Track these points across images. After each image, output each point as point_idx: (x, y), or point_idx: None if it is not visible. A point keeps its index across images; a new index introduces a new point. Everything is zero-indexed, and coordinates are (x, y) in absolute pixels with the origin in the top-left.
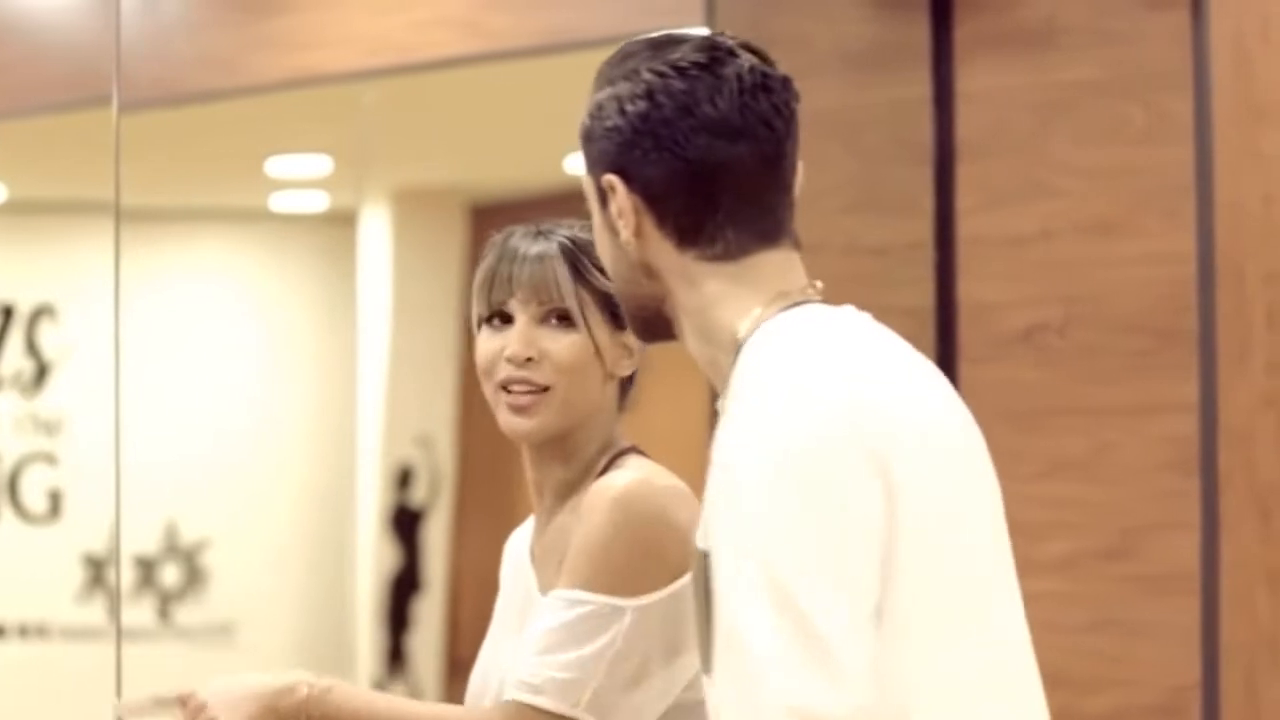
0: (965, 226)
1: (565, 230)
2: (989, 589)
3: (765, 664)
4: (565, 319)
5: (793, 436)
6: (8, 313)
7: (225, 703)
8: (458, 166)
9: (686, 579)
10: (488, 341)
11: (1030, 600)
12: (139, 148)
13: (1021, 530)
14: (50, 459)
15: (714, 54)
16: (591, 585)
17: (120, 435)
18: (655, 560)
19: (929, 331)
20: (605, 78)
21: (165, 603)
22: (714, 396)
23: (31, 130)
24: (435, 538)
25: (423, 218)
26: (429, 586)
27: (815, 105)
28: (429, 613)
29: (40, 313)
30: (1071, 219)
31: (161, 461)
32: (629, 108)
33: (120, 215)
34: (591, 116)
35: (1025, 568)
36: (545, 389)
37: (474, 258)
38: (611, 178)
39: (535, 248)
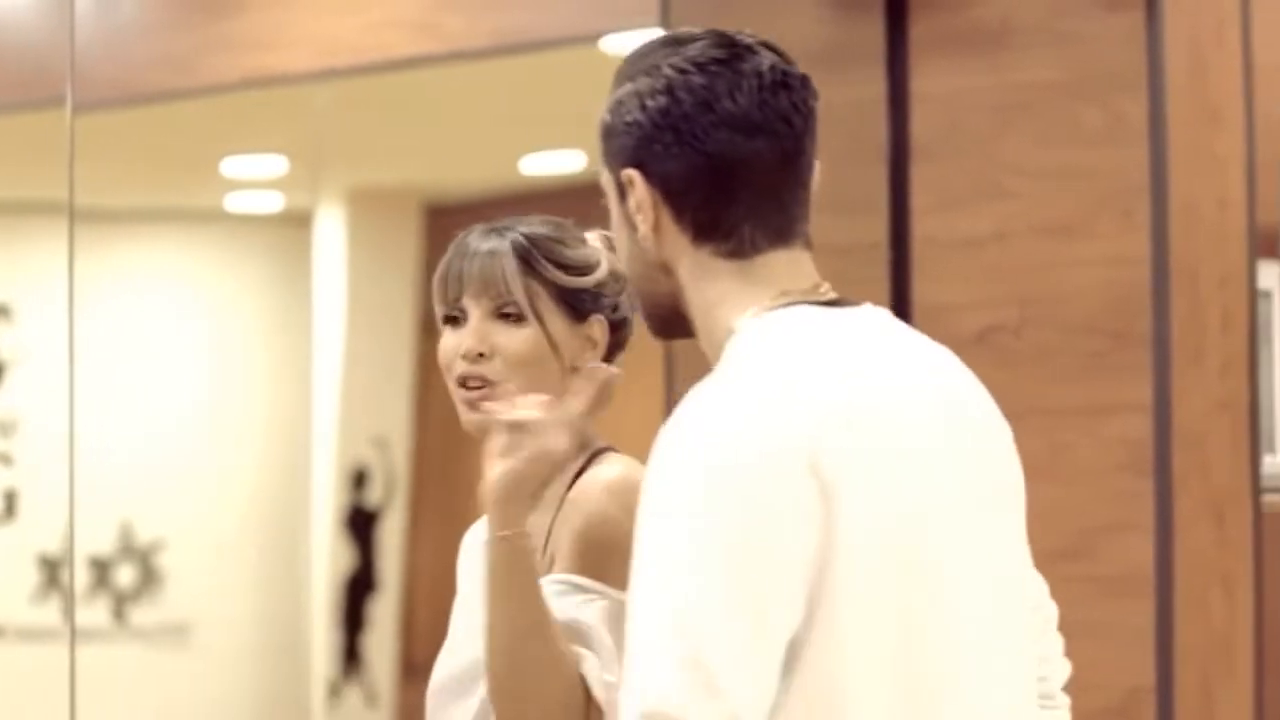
0: (920, 227)
1: (523, 226)
2: (971, 602)
3: (641, 666)
4: (517, 313)
5: (720, 447)
6: None
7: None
8: (413, 167)
9: None
10: (447, 339)
11: None
12: (93, 148)
13: None
14: (5, 459)
15: (733, 50)
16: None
17: (75, 436)
18: None
19: None
20: (624, 74)
21: (120, 603)
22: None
23: None
24: (390, 538)
25: (378, 218)
26: (384, 587)
27: None
28: (384, 613)
29: None
30: (1026, 220)
31: (116, 462)
32: (649, 103)
33: (75, 216)
34: (611, 112)
35: None
36: (496, 384)
37: (429, 258)
38: (631, 172)
39: (486, 244)
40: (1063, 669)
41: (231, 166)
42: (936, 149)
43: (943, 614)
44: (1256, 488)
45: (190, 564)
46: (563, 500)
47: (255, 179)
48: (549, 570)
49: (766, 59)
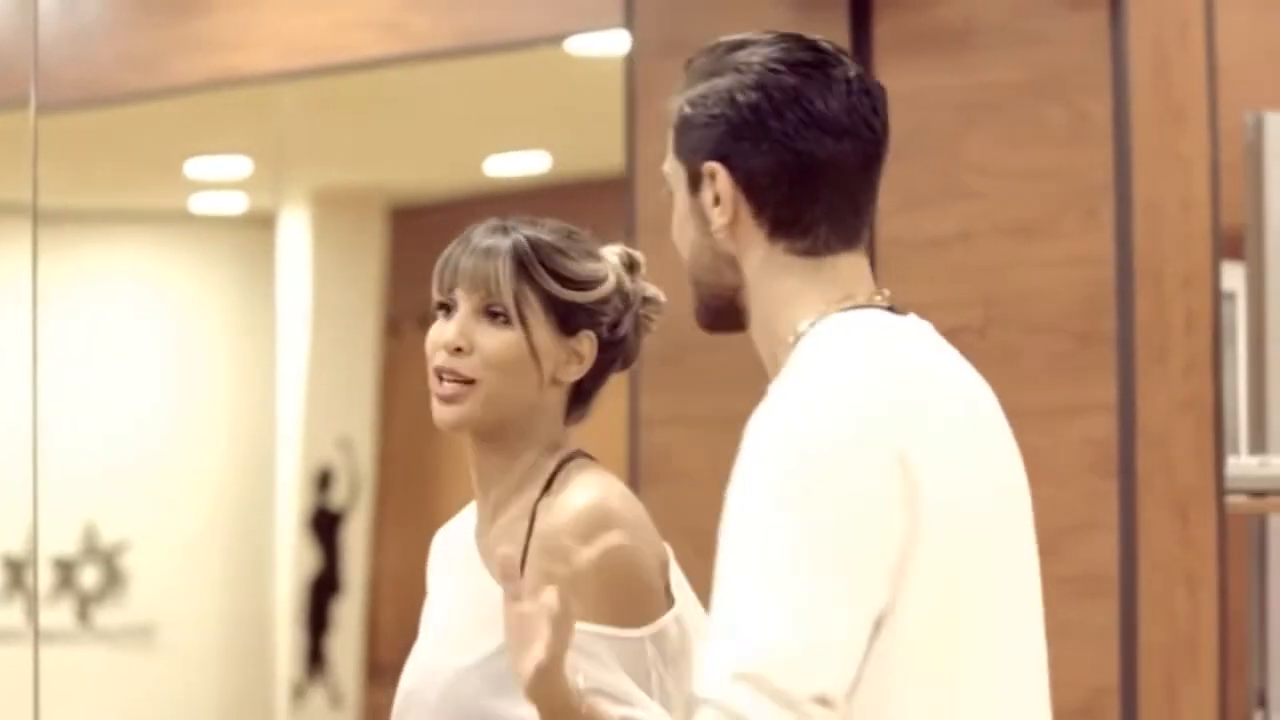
0: (884, 228)
1: (531, 229)
2: (1006, 603)
3: (741, 629)
4: (503, 314)
5: (816, 437)
6: None
7: None
8: (377, 168)
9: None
10: (435, 328)
11: None
12: (57, 149)
13: None
14: None
15: (820, 54)
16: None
17: (39, 437)
18: (652, 589)
19: None
20: (701, 71)
21: (84, 605)
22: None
23: None
24: (355, 540)
25: (342, 219)
26: (348, 588)
27: None
28: (348, 615)
29: None
30: (991, 220)
31: (81, 463)
32: (740, 98)
33: (39, 217)
34: (693, 105)
35: None
36: (471, 381)
37: (394, 259)
38: (714, 165)
39: (488, 241)
40: None
41: (196, 167)
42: (900, 149)
43: (990, 595)
44: (1220, 488)
45: (154, 565)
46: (535, 510)
47: (220, 180)
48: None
49: (851, 66)
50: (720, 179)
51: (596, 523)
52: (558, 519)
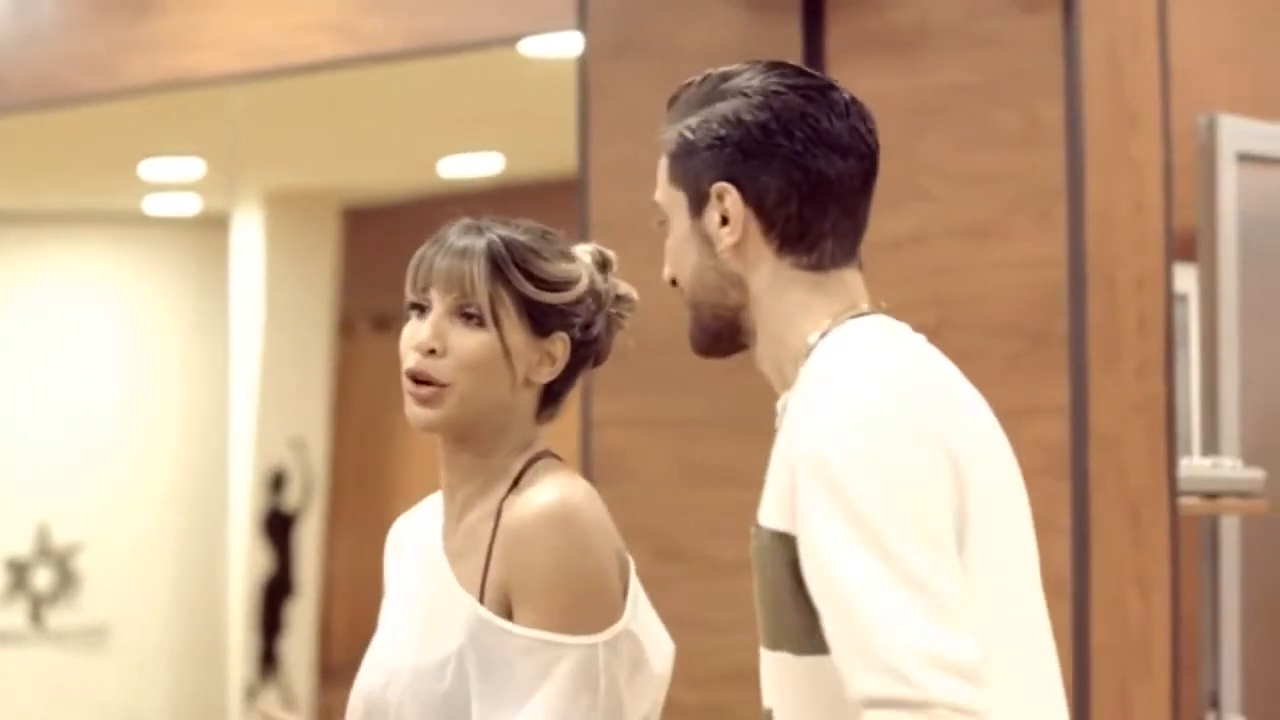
0: None
1: (505, 230)
2: (1031, 577)
3: (886, 621)
4: (478, 316)
5: (874, 418)
6: None
7: None
8: (330, 169)
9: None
10: (408, 329)
11: None
12: (11, 150)
13: None
14: None
15: (818, 79)
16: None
17: None
18: (610, 591)
19: None
20: (694, 101)
21: (37, 606)
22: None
23: None
24: (308, 541)
25: (295, 221)
26: (301, 590)
27: None
28: (301, 616)
29: None
30: (944, 223)
31: (33, 465)
32: (748, 118)
33: None
34: (694, 130)
35: None
36: (444, 384)
37: (347, 261)
38: (724, 185)
39: (462, 241)
40: None
41: (150, 169)
42: None
43: (1023, 577)
44: (1173, 490)
45: (108, 567)
46: (500, 508)
47: (173, 181)
48: (498, 592)
49: (844, 91)
50: (730, 198)
51: (559, 520)
52: (522, 514)
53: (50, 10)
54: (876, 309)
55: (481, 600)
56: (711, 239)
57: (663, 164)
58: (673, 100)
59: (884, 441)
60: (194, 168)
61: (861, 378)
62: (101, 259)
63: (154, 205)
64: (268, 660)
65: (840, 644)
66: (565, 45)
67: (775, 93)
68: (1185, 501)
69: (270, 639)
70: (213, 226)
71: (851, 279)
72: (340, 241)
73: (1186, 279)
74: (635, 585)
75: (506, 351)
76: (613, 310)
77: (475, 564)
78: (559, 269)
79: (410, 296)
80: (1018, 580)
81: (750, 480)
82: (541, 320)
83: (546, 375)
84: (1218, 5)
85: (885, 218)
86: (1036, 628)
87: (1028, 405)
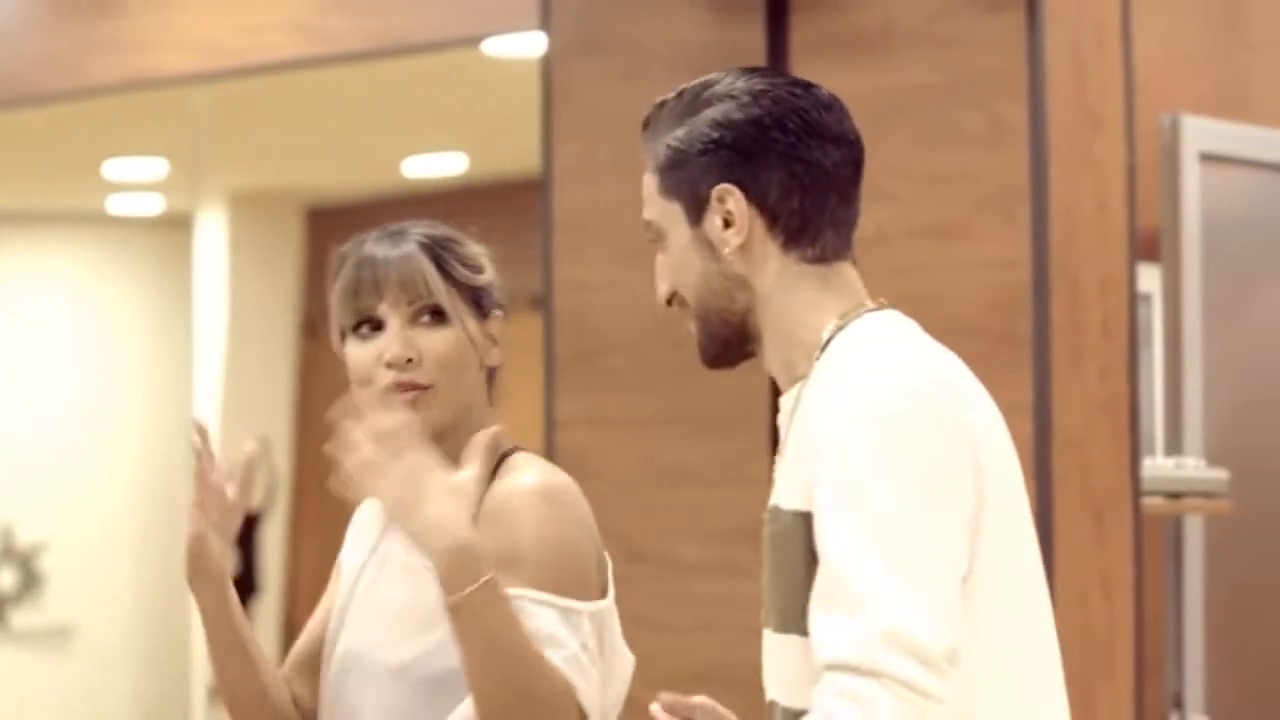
0: None
1: (419, 229)
2: (1038, 572)
3: (865, 595)
4: (436, 315)
5: (894, 411)
6: None
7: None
8: (294, 169)
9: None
10: (360, 349)
11: None
12: None
13: None
14: None
15: (797, 79)
16: (550, 587)
17: None
18: (589, 573)
19: None
20: (675, 115)
21: (1, 607)
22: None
23: None
24: (272, 541)
25: (259, 221)
26: (265, 589)
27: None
28: (265, 616)
29: None
30: (907, 223)
31: None
32: (738, 116)
33: None
34: (682, 140)
35: None
36: (427, 387)
37: (310, 261)
38: (727, 187)
39: (395, 250)
40: None
41: (113, 169)
42: None
43: (1030, 566)
44: (1136, 490)
45: (72, 567)
46: (482, 499)
47: (136, 181)
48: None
49: (822, 88)
50: (734, 199)
51: (542, 495)
52: (509, 491)
53: (13, 10)
54: (881, 305)
55: None
56: (715, 243)
57: (650, 181)
58: (648, 120)
59: (900, 434)
60: (157, 168)
61: (881, 371)
62: (65, 258)
63: (117, 205)
64: None
65: (818, 609)
66: (528, 45)
67: (762, 91)
68: (1149, 502)
69: None
70: (176, 226)
71: (850, 273)
72: (304, 242)
73: (1150, 279)
74: (611, 584)
75: (472, 341)
76: None
77: None
78: (475, 250)
79: (351, 319)
80: (1026, 574)
81: (711, 481)
82: (481, 303)
83: (498, 357)
84: (1181, 6)
85: None
86: (1042, 623)
87: None
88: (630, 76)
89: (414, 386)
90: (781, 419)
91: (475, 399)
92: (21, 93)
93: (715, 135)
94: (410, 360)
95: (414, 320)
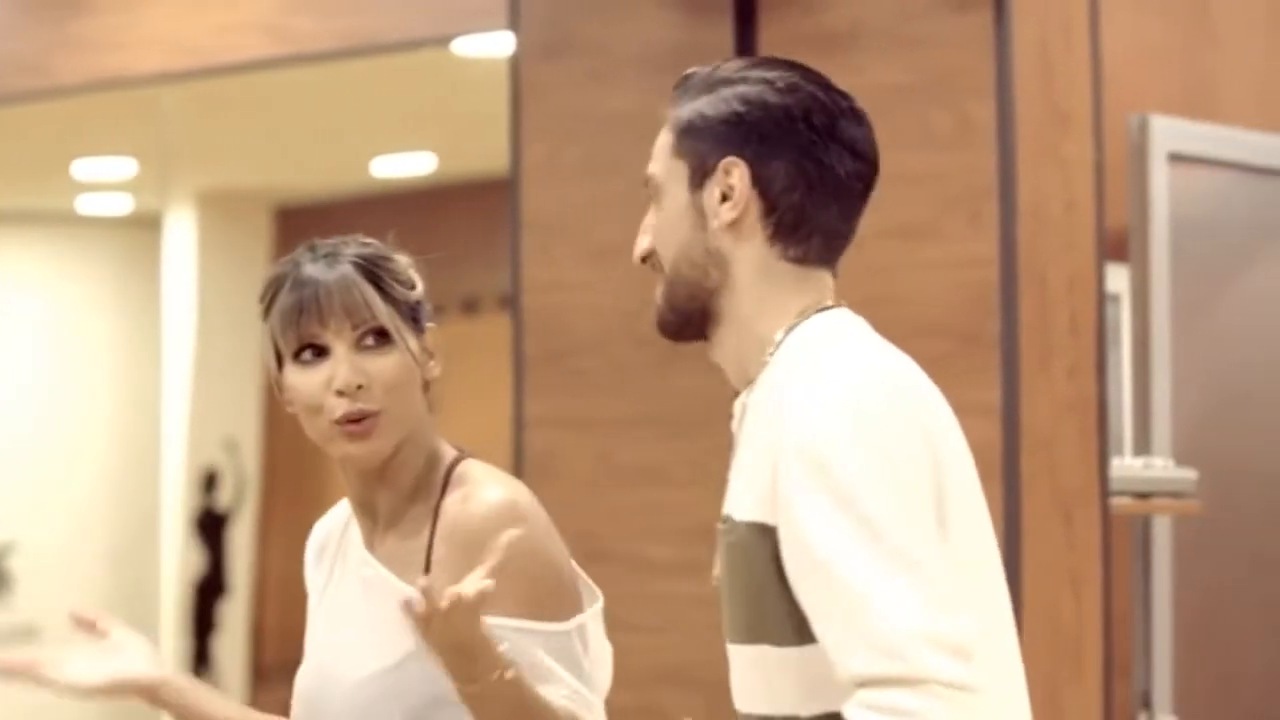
0: None
1: (351, 248)
2: (997, 570)
3: (880, 601)
4: (380, 336)
5: (862, 405)
6: None
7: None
8: (263, 169)
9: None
10: (305, 376)
11: None
12: None
13: None
14: None
15: (838, 88)
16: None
17: None
18: (569, 583)
19: None
20: (707, 83)
21: None
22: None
23: None
24: (240, 541)
25: (227, 220)
26: (234, 590)
27: (617, 107)
28: (234, 616)
29: None
30: (875, 223)
31: None
32: (772, 100)
33: None
34: (713, 105)
35: None
36: (378, 413)
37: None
38: (735, 159)
39: (332, 273)
40: None
41: (82, 168)
42: None
43: (992, 571)
44: (1105, 490)
45: (39, 567)
46: (436, 513)
47: (105, 181)
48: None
49: (859, 103)
50: (738, 173)
51: (514, 519)
52: (474, 513)
53: None
54: (829, 305)
55: None
56: (707, 214)
57: (664, 138)
58: (680, 83)
59: (873, 433)
60: (126, 167)
61: (849, 373)
62: (34, 258)
63: (86, 205)
64: (200, 660)
65: (829, 624)
66: (497, 45)
67: (798, 85)
68: (1117, 501)
69: (203, 639)
70: (145, 226)
71: (827, 281)
72: (273, 241)
73: (1118, 279)
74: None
75: (416, 360)
76: None
77: (414, 568)
78: (405, 264)
79: (293, 345)
80: (988, 572)
81: (678, 481)
82: (416, 318)
83: (437, 370)
84: (1149, 5)
85: None
86: (1005, 620)
87: (959, 405)
88: (599, 77)
89: (365, 415)
90: (734, 424)
91: (420, 412)
92: None
93: (741, 110)
94: (360, 386)
95: (358, 344)
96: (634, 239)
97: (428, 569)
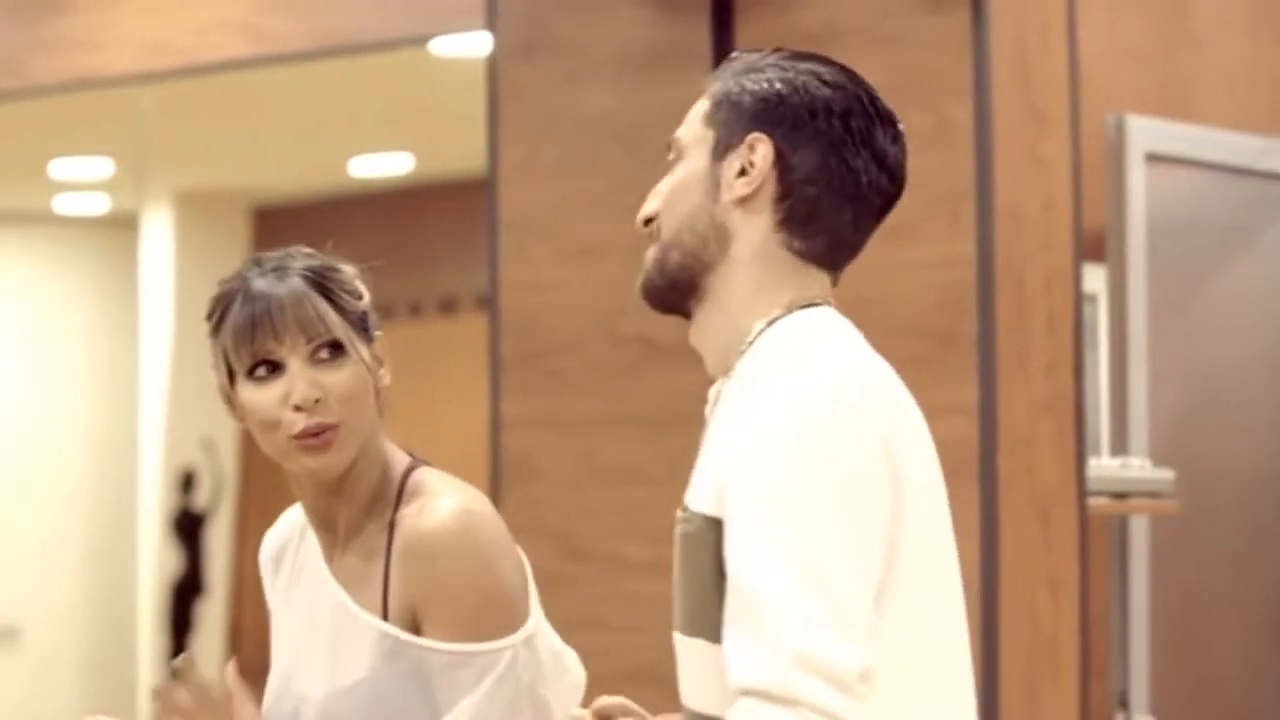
0: None
1: (299, 261)
2: (953, 579)
3: (778, 615)
4: (334, 349)
5: (819, 422)
6: None
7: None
8: (240, 169)
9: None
10: (260, 393)
11: None
12: None
13: None
14: None
15: (888, 106)
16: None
17: None
18: (516, 594)
19: None
20: (761, 65)
21: None
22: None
23: None
24: (218, 541)
25: (205, 220)
26: (211, 590)
27: (595, 107)
28: (211, 616)
29: None
30: None
31: None
32: (814, 91)
33: None
34: (750, 84)
35: None
36: (336, 426)
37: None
38: (761, 136)
39: (283, 287)
40: None
41: (59, 168)
42: None
43: (949, 580)
44: (1082, 490)
45: (16, 567)
46: (393, 528)
47: (82, 181)
48: (404, 611)
49: (902, 125)
50: (763, 150)
51: (460, 534)
52: (422, 530)
53: None
54: (815, 302)
55: (385, 619)
56: (721, 185)
57: (701, 105)
58: (732, 58)
59: (825, 447)
60: (103, 167)
61: (811, 379)
62: (11, 258)
63: (63, 204)
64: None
65: (731, 628)
66: (474, 45)
67: (846, 85)
68: (1094, 502)
69: (180, 639)
70: (122, 226)
71: (820, 282)
72: (250, 241)
73: (1095, 279)
74: (531, 585)
75: (370, 370)
76: None
77: (373, 584)
78: (352, 274)
79: (248, 361)
80: (942, 583)
81: (656, 480)
82: (365, 328)
83: (388, 377)
84: (1126, 6)
85: None
86: (955, 633)
87: (936, 405)
88: (576, 77)
89: (323, 428)
90: (707, 409)
91: (374, 421)
92: None
93: (783, 92)
94: (318, 400)
95: (312, 357)
96: (612, 238)
97: (386, 590)
